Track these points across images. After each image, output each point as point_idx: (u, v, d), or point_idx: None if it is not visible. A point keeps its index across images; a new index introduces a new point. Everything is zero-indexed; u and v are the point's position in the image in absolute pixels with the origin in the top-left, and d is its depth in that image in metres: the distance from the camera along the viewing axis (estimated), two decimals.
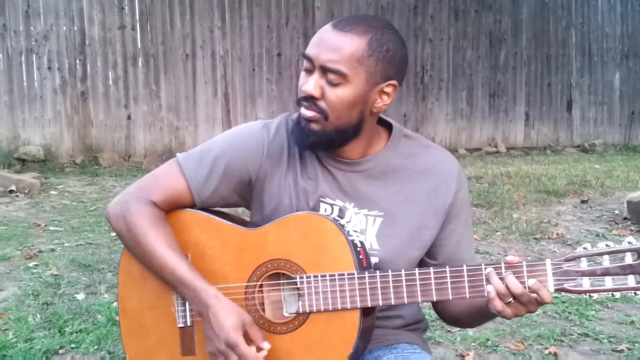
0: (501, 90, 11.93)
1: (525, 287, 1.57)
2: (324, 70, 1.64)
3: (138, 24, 10.16)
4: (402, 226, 1.77)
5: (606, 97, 12.56)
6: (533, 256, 5.20)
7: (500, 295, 1.58)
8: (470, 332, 3.68)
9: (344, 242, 1.66)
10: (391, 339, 1.86)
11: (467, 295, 1.62)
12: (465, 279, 1.62)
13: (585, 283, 1.57)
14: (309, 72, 1.68)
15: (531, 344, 3.63)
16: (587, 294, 1.58)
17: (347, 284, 1.64)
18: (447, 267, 1.63)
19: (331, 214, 1.77)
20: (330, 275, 1.65)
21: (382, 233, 1.77)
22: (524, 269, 1.59)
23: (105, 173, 9.18)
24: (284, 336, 1.68)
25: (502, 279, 1.59)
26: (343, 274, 1.64)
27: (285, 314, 1.69)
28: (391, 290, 1.64)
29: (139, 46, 10.20)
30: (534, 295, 1.57)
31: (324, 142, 1.71)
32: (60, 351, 3.47)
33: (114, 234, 5.42)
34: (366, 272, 1.64)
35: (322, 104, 1.66)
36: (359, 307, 1.64)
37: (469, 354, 3.49)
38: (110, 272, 4.65)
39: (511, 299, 1.59)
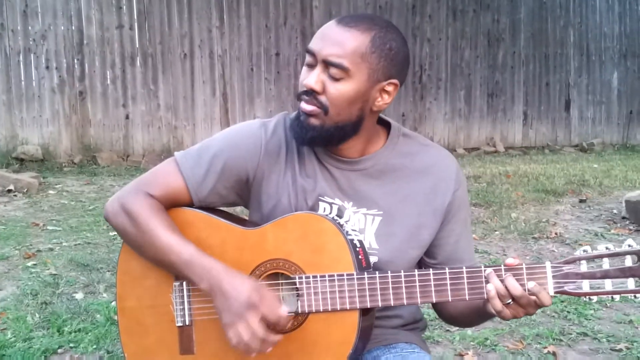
0: (499, 89, 11.93)
1: (525, 290, 1.57)
2: (327, 65, 1.64)
3: (136, 24, 10.15)
4: (401, 225, 1.77)
5: (604, 97, 12.57)
6: (532, 255, 5.20)
7: (499, 296, 1.58)
8: (469, 331, 3.69)
9: (343, 242, 1.65)
10: (390, 339, 1.86)
11: (467, 297, 1.62)
12: (465, 280, 1.62)
13: (585, 286, 1.57)
14: (311, 66, 1.68)
15: (530, 343, 3.64)
16: (587, 297, 1.58)
17: (346, 285, 1.64)
18: (447, 268, 1.63)
19: (330, 213, 1.77)
20: (329, 276, 1.65)
21: (381, 232, 1.77)
22: (523, 272, 1.59)
23: (104, 172, 9.18)
24: (283, 336, 1.67)
25: (502, 280, 1.59)
26: (342, 275, 1.64)
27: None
28: (390, 291, 1.63)
29: (137, 46, 10.19)
30: (533, 297, 1.57)
31: (323, 138, 1.71)
32: (59, 350, 3.48)
33: (112, 233, 5.48)
34: (365, 273, 1.64)
35: (322, 98, 1.66)
36: (358, 307, 1.64)
37: (467, 353, 3.49)
38: (108, 271, 4.65)
39: (510, 301, 1.59)
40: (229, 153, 1.78)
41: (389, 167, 1.79)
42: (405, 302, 1.64)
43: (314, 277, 1.65)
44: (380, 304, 1.64)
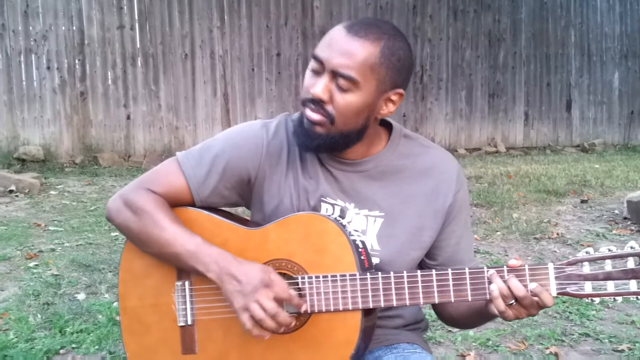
0: (500, 90, 11.93)
1: (527, 290, 1.57)
2: (335, 75, 1.63)
3: (137, 24, 10.15)
4: (403, 227, 1.77)
5: (605, 97, 12.56)
6: (533, 256, 5.20)
7: (502, 297, 1.58)
8: (471, 332, 3.68)
9: (345, 243, 1.65)
10: (391, 339, 1.86)
11: (469, 298, 1.62)
12: (468, 281, 1.62)
13: (588, 287, 1.56)
14: (317, 73, 1.66)
15: (532, 344, 3.63)
16: (590, 298, 1.58)
17: (348, 285, 1.64)
18: (449, 269, 1.63)
19: (332, 214, 1.77)
20: (332, 276, 1.65)
21: (382, 234, 1.77)
22: (526, 273, 1.59)
23: (105, 173, 9.18)
24: (284, 336, 1.68)
25: (504, 281, 1.59)
26: (345, 275, 1.64)
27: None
28: (393, 292, 1.63)
29: (138, 46, 10.19)
30: (536, 298, 1.57)
31: (328, 145, 1.71)
32: (61, 351, 3.48)
33: (114, 233, 5.48)
34: (368, 274, 1.64)
35: (329, 108, 1.65)
36: (360, 308, 1.64)
37: (469, 354, 3.49)
38: (110, 272, 4.65)
39: (513, 301, 1.58)
40: (230, 153, 1.77)
41: (391, 169, 1.79)
42: (407, 302, 1.64)
43: (317, 277, 1.65)
44: (382, 304, 1.64)
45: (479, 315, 1.76)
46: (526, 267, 1.60)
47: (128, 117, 10.17)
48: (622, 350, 3.54)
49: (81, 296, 4.24)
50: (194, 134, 10.38)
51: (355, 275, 1.64)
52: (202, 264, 1.66)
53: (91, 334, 3.63)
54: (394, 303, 1.64)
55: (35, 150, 9.58)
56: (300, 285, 1.66)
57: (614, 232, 5.89)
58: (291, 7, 10.75)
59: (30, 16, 9.68)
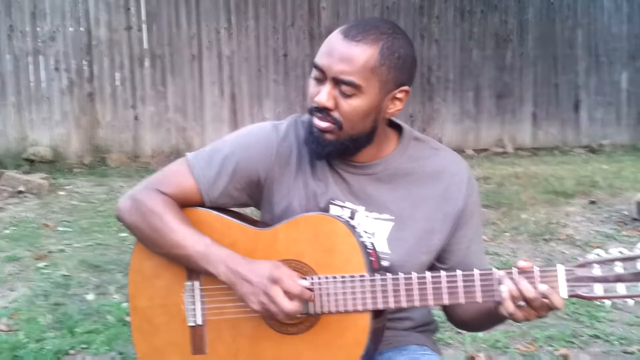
0: (508, 90, 11.88)
1: (538, 292, 1.56)
2: (337, 82, 1.63)
3: (144, 25, 10.15)
4: (412, 230, 1.77)
5: (613, 98, 12.50)
6: (542, 257, 5.19)
7: (512, 298, 1.57)
8: (480, 333, 3.67)
9: (354, 244, 1.65)
10: (401, 341, 1.86)
11: (479, 300, 1.62)
12: (478, 282, 1.61)
13: (598, 289, 1.56)
14: (320, 81, 1.67)
15: (541, 346, 3.63)
16: (600, 301, 1.57)
17: (358, 286, 1.64)
18: (459, 270, 1.63)
19: (342, 216, 1.76)
20: (341, 277, 1.65)
21: (392, 237, 1.77)
22: (536, 275, 1.59)
23: (114, 174, 9.19)
24: (294, 337, 1.69)
25: (515, 283, 1.58)
26: (354, 276, 1.64)
27: (296, 315, 1.69)
28: (402, 292, 1.63)
29: (146, 47, 10.19)
30: (546, 300, 1.57)
31: (339, 151, 1.72)
32: (71, 352, 3.49)
33: (123, 234, 5.49)
34: (377, 274, 1.64)
35: (335, 114, 1.66)
36: (369, 309, 1.64)
37: (479, 356, 3.48)
38: (119, 272, 4.66)
39: (523, 303, 1.58)
40: (240, 155, 1.78)
41: (400, 172, 1.79)
42: (417, 304, 1.64)
43: (326, 278, 1.65)
44: (392, 305, 1.64)
45: (488, 318, 1.76)
46: (536, 269, 1.59)
47: (136, 118, 10.18)
48: (633, 352, 3.54)
49: (90, 297, 4.25)
50: (202, 134, 10.37)
51: (364, 276, 1.64)
52: (212, 265, 1.67)
53: (101, 335, 3.64)
54: (404, 304, 1.64)
55: (44, 151, 9.60)
56: (309, 286, 1.66)
57: (623, 233, 5.87)
58: (298, 8, 10.74)
59: (37, 17, 9.70)
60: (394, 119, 1.82)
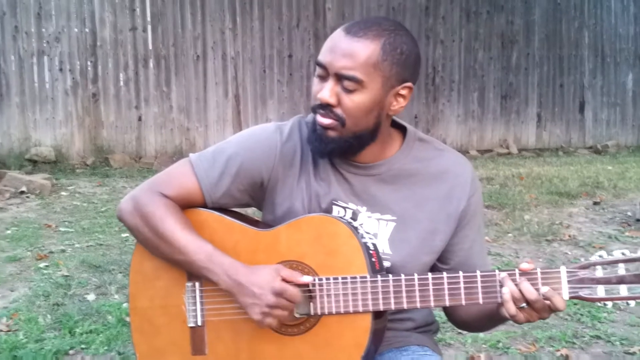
0: (513, 91, 11.88)
1: (539, 294, 1.56)
2: (339, 77, 1.63)
3: (149, 26, 10.17)
4: (415, 231, 1.76)
5: (619, 99, 12.49)
6: (545, 258, 5.17)
7: (514, 300, 1.57)
8: (481, 334, 3.67)
9: (356, 245, 1.65)
10: (402, 341, 1.85)
11: (481, 301, 1.61)
12: (479, 284, 1.61)
13: (600, 291, 1.55)
14: (323, 78, 1.67)
15: (543, 346, 3.62)
16: (602, 302, 1.56)
17: (359, 287, 1.63)
18: (461, 272, 1.62)
19: (344, 217, 1.76)
20: (342, 278, 1.64)
21: (394, 238, 1.76)
22: (538, 276, 1.58)
23: (116, 174, 9.20)
24: (294, 338, 1.68)
25: (516, 284, 1.57)
26: (355, 277, 1.64)
27: (297, 316, 1.67)
28: (404, 294, 1.63)
29: (150, 48, 10.21)
30: (548, 302, 1.56)
31: (343, 149, 1.71)
32: (71, 352, 3.49)
33: (124, 234, 5.49)
34: (379, 276, 1.63)
35: (338, 111, 1.65)
36: (370, 310, 1.63)
37: (480, 356, 3.47)
38: (120, 273, 4.66)
39: (525, 305, 1.57)
40: (243, 156, 1.77)
41: (404, 172, 1.78)
42: (418, 305, 1.63)
43: (327, 279, 1.65)
44: (393, 306, 1.63)
45: (489, 319, 1.75)
46: (538, 270, 1.59)
47: (139, 119, 10.19)
48: (634, 353, 3.53)
49: (91, 297, 4.25)
50: (205, 135, 10.39)
51: (365, 277, 1.63)
52: (213, 274, 1.67)
53: (101, 335, 3.63)
54: (405, 305, 1.63)
55: (47, 152, 9.61)
56: (310, 287, 1.65)
57: (627, 234, 5.85)
58: (303, 9, 10.75)
59: (43, 18, 9.72)
60: (398, 119, 1.82)
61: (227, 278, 1.65)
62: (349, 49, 1.62)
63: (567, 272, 1.57)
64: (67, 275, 4.61)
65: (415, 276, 1.62)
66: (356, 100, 1.63)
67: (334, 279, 1.64)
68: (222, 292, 1.69)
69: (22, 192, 7.42)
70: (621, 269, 1.54)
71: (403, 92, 1.69)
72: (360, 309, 1.63)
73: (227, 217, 1.77)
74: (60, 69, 9.84)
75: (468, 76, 11.64)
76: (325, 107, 1.65)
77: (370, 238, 1.73)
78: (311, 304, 1.65)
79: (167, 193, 1.76)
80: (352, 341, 1.64)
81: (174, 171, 1.82)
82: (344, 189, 1.77)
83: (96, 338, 3.59)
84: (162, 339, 1.78)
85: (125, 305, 3.97)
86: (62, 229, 6.00)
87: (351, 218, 1.76)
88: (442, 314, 1.92)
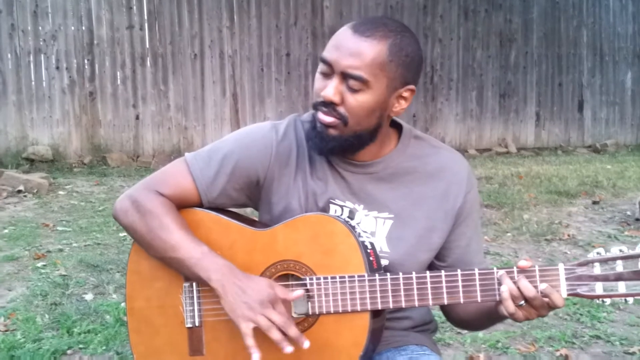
0: (511, 90, 11.88)
1: (538, 291, 1.56)
2: (344, 76, 1.62)
3: (146, 24, 10.16)
4: (412, 229, 1.76)
5: (618, 98, 12.50)
6: (544, 257, 5.17)
7: (512, 298, 1.57)
8: (480, 333, 3.66)
9: (354, 244, 1.64)
10: (400, 341, 1.85)
11: (479, 299, 1.61)
12: (477, 282, 1.60)
13: (599, 288, 1.55)
14: (326, 75, 1.65)
15: (542, 346, 3.61)
16: (600, 299, 1.56)
17: (357, 286, 1.63)
18: (459, 270, 1.62)
19: (341, 215, 1.75)
20: (340, 277, 1.63)
21: (392, 236, 1.76)
22: (536, 274, 1.58)
23: (114, 173, 9.19)
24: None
25: (515, 282, 1.57)
26: (353, 276, 1.63)
27: (294, 315, 1.67)
28: (402, 292, 1.62)
29: (147, 46, 10.20)
30: (546, 299, 1.56)
31: (343, 147, 1.70)
32: (69, 351, 3.48)
33: (122, 234, 5.48)
34: (377, 275, 1.63)
35: (341, 109, 1.64)
36: (369, 309, 1.63)
37: (479, 356, 3.46)
38: (118, 272, 4.65)
39: (523, 302, 1.57)
40: (239, 155, 1.77)
41: (401, 170, 1.78)
42: (416, 303, 1.63)
43: (325, 278, 1.64)
44: (391, 305, 1.63)
45: (488, 317, 1.75)
46: (536, 267, 1.59)
47: (137, 117, 10.18)
48: (634, 353, 3.53)
49: (89, 296, 4.23)
50: (203, 134, 10.38)
51: (363, 276, 1.63)
52: (205, 271, 1.65)
53: (99, 335, 3.62)
54: (403, 304, 1.63)
55: (44, 151, 9.60)
56: (308, 287, 1.65)
57: (626, 233, 5.85)
58: (301, 7, 10.74)
59: (39, 16, 9.70)
60: (394, 117, 1.80)
61: (220, 275, 1.63)
62: (356, 48, 1.60)
63: (565, 269, 1.57)
64: (64, 275, 4.59)
65: (414, 275, 1.62)
66: (360, 100, 1.62)
67: (332, 278, 1.64)
68: None
69: (20, 191, 7.41)
70: (619, 266, 1.54)
71: (405, 94, 1.69)
72: (359, 308, 1.63)
73: (224, 216, 1.77)
74: (57, 68, 9.82)
75: (466, 75, 11.64)
76: (328, 105, 1.64)
77: (367, 236, 1.73)
78: (309, 303, 1.65)
79: (163, 192, 1.76)
80: (350, 340, 1.64)
81: (169, 170, 1.82)
82: (341, 188, 1.77)
83: (94, 338, 3.58)
84: (159, 340, 1.77)
85: (123, 304, 3.96)
86: (59, 228, 5.99)
87: (348, 217, 1.75)
88: (441, 313, 1.92)
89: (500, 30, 11.76)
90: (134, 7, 10.07)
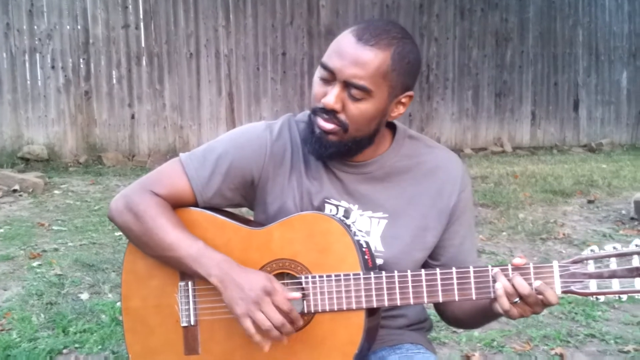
0: (507, 89, 11.90)
1: (532, 288, 1.56)
2: (347, 85, 1.61)
3: (142, 23, 10.15)
4: (406, 228, 1.76)
5: (613, 97, 12.51)
6: (539, 256, 5.17)
7: (507, 295, 1.57)
8: (475, 332, 3.66)
9: (349, 243, 1.64)
10: (395, 339, 1.85)
11: (474, 296, 1.61)
12: (472, 279, 1.61)
13: (592, 285, 1.56)
14: (327, 82, 1.65)
15: (537, 345, 3.61)
16: (594, 297, 1.57)
17: (352, 285, 1.63)
18: (454, 268, 1.62)
19: (336, 214, 1.75)
20: (335, 276, 1.64)
21: (386, 235, 1.76)
22: (531, 271, 1.58)
23: (109, 172, 9.18)
24: (289, 336, 1.66)
25: (509, 279, 1.57)
26: (348, 274, 1.63)
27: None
28: (397, 290, 1.62)
29: (143, 45, 10.19)
30: (541, 296, 1.56)
31: (341, 153, 1.71)
32: (64, 351, 3.47)
33: (117, 233, 5.47)
34: (372, 273, 1.63)
35: (342, 116, 1.64)
36: (364, 307, 1.63)
37: (474, 355, 3.47)
38: (114, 271, 4.65)
39: (518, 300, 1.57)
40: (234, 154, 1.77)
41: (395, 170, 1.79)
42: (411, 301, 1.63)
43: (320, 276, 1.64)
44: (386, 303, 1.63)
45: (483, 315, 1.75)
46: (531, 265, 1.59)
47: (132, 117, 10.17)
48: (628, 352, 3.53)
49: (84, 296, 4.23)
50: (199, 133, 10.37)
51: (359, 274, 1.63)
52: (203, 268, 1.65)
53: (94, 334, 3.62)
54: (398, 302, 1.63)
55: (39, 150, 9.59)
56: (303, 285, 1.65)
57: (621, 232, 5.86)
58: (297, 6, 10.73)
59: (35, 15, 9.69)
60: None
61: (218, 271, 1.63)
62: (361, 57, 1.60)
63: (560, 266, 1.58)
64: (60, 274, 4.59)
65: (409, 273, 1.62)
66: (362, 109, 1.63)
67: (327, 276, 1.64)
68: (215, 292, 1.67)
69: (15, 191, 7.39)
70: (613, 264, 1.55)
71: (404, 100, 1.71)
72: (354, 306, 1.63)
73: (220, 216, 1.77)
74: (53, 67, 9.81)
75: (462, 74, 11.64)
76: (328, 112, 1.64)
77: (362, 236, 1.73)
78: (304, 301, 1.65)
79: (158, 192, 1.76)
80: (345, 339, 1.64)
81: (164, 171, 1.82)
82: (336, 187, 1.77)
83: (90, 337, 3.58)
84: (155, 339, 1.77)
85: (118, 304, 3.95)
86: (55, 227, 5.98)
87: (343, 216, 1.76)
88: (436, 312, 1.92)
89: (496, 29, 11.77)
90: (130, 6, 10.06)
